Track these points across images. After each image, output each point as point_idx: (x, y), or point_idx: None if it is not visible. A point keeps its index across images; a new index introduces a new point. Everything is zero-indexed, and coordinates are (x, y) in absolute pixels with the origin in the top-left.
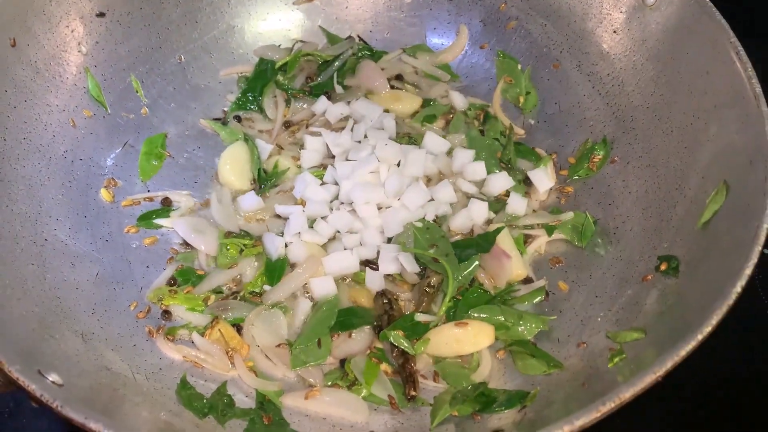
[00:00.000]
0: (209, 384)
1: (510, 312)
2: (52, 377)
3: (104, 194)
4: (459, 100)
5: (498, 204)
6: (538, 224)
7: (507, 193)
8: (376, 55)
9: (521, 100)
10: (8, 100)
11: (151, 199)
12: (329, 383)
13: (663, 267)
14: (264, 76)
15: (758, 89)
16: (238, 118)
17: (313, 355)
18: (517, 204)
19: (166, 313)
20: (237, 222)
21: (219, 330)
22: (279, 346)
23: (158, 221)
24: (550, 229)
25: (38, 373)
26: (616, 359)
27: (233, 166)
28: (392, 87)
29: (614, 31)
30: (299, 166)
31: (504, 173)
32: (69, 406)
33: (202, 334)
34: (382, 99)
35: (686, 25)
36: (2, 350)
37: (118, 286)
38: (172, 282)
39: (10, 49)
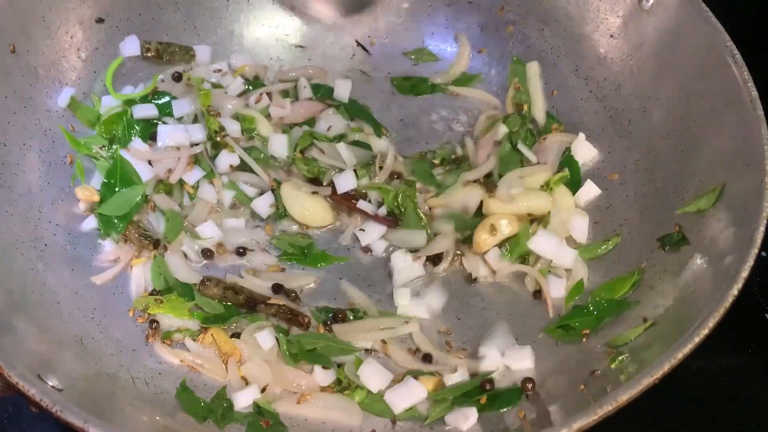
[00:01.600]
0: (209, 388)
1: None
2: (52, 382)
3: None
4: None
5: None
6: None
7: None
8: None
9: (525, 107)
10: (8, 106)
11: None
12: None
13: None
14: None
15: (754, 93)
16: None
17: None
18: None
19: (154, 322)
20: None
21: (212, 335)
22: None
23: None
24: None
25: (38, 378)
26: (616, 362)
27: None
28: None
29: (611, 36)
30: None
31: None
32: (68, 410)
33: (195, 339)
34: None
35: (682, 30)
36: (2, 355)
37: (117, 291)
38: (155, 291)
39: (10, 55)
